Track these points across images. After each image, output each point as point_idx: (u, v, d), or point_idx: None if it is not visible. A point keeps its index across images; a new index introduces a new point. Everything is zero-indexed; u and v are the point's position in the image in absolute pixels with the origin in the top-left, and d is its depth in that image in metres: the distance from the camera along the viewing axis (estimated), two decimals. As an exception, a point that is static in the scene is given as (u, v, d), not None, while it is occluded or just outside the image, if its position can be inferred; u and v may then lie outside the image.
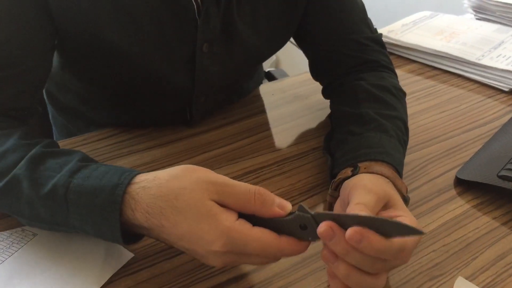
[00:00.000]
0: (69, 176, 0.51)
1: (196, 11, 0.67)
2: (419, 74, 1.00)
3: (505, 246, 0.60)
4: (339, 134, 0.69)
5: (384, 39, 0.84)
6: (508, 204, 0.66)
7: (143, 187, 0.49)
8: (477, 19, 1.22)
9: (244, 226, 0.47)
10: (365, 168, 0.59)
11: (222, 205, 0.48)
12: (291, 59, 1.83)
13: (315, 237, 0.47)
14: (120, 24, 0.65)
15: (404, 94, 0.76)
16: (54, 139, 0.93)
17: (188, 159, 0.73)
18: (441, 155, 0.76)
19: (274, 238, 0.47)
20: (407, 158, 0.69)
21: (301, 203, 0.47)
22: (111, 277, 0.54)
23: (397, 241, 0.46)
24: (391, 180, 0.57)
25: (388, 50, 0.98)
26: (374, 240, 0.44)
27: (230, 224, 0.46)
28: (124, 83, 0.73)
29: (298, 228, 0.47)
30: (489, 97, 0.92)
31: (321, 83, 0.85)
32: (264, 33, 0.76)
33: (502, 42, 1.07)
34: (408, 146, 0.70)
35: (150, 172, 0.51)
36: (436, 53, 1.03)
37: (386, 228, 0.44)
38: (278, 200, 0.48)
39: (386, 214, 0.52)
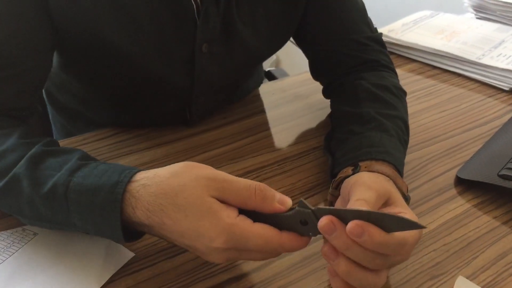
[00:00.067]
0: (69, 175, 0.51)
1: (195, 11, 0.67)
2: (419, 74, 1.00)
3: (506, 245, 0.60)
4: (340, 133, 0.69)
5: (384, 39, 0.83)
6: (508, 204, 0.66)
7: (143, 185, 0.49)
8: (477, 18, 1.22)
9: (245, 222, 0.47)
10: (365, 167, 0.59)
11: (222, 201, 0.48)
12: (291, 58, 1.83)
13: (316, 232, 0.47)
14: (120, 24, 0.65)
15: (405, 93, 0.76)
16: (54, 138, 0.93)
17: (188, 159, 0.73)
18: (442, 155, 0.75)
19: (275, 234, 0.47)
20: (408, 158, 0.69)
21: (302, 199, 0.47)
22: (111, 277, 0.54)
23: (398, 235, 0.46)
24: (391, 179, 0.57)
25: (389, 49, 0.98)
26: (375, 233, 0.44)
27: (231, 220, 0.46)
28: (124, 83, 0.73)
29: (299, 224, 0.47)
30: (490, 97, 0.92)
31: (321, 83, 0.85)
32: (264, 33, 0.75)
33: (503, 41, 1.07)
34: (408, 146, 0.70)
35: (150, 170, 0.51)
36: (437, 52, 1.02)
37: (387, 222, 0.44)
38: (279, 195, 0.48)
39: (386, 211, 0.52)
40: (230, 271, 0.56)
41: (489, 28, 1.13)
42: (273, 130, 0.81)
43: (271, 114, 0.86)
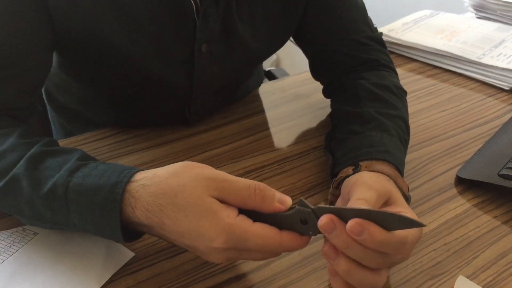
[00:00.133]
0: (68, 175, 0.51)
1: (195, 12, 0.67)
2: (419, 73, 1.00)
3: (506, 245, 0.60)
4: (340, 133, 0.69)
5: (384, 38, 0.83)
6: (509, 203, 0.66)
7: (143, 185, 0.49)
8: (477, 17, 1.22)
9: (245, 222, 0.47)
10: (366, 167, 0.59)
11: (222, 201, 0.48)
12: (291, 58, 1.83)
13: (316, 232, 0.47)
14: (120, 24, 0.65)
15: (405, 93, 0.76)
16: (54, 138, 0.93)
17: (188, 158, 0.73)
18: (442, 154, 0.75)
19: (275, 234, 0.47)
20: (408, 157, 0.69)
21: (301, 198, 0.46)
22: (111, 276, 0.54)
23: (398, 233, 0.46)
24: (392, 179, 0.57)
25: (389, 49, 0.98)
26: (375, 232, 0.44)
27: (231, 220, 0.46)
28: (123, 83, 0.73)
29: (299, 223, 0.47)
30: (490, 96, 0.92)
31: (321, 83, 0.85)
32: (264, 33, 0.75)
33: (503, 40, 1.07)
34: (409, 145, 0.70)
35: (149, 170, 0.51)
36: (437, 52, 1.02)
37: (387, 221, 0.44)
38: (279, 195, 0.48)
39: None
40: (230, 271, 0.56)
41: (489, 27, 1.13)
42: (273, 129, 0.81)
43: (271, 113, 0.86)
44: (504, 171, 0.68)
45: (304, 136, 0.79)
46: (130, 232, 0.51)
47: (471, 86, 0.95)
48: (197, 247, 0.48)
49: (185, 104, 0.78)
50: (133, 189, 0.49)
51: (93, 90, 0.79)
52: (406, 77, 0.98)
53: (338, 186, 0.60)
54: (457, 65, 1.00)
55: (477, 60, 0.98)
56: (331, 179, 0.64)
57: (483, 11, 1.21)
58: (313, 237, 0.48)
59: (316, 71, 0.84)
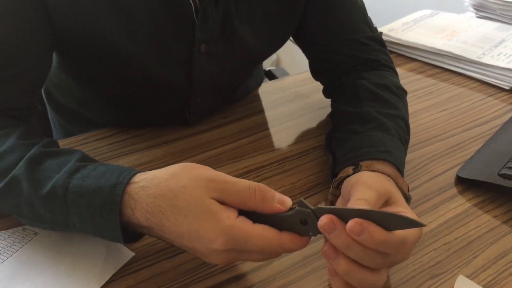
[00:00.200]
0: (67, 177, 0.51)
1: (194, 12, 0.67)
2: (420, 73, 1.00)
3: (506, 245, 0.60)
4: (340, 133, 0.69)
5: (384, 38, 0.83)
6: (509, 203, 0.66)
7: (142, 187, 0.49)
8: (477, 17, 1.22)
9: (244, 224, 0.47)
10: (366, 167, 0.59)
11: (222, 202, 0.47)
12: (291, 57, 1.83)
13: (316, 232, 0.47)
14: (119, 24, 0.65)
15: (405, 92, 0.76)
16: (54, 138, 0.93)
17: (188, 158, 0.73)
18: (442, 154, 0.75)
19: (275, 235, 0.47)
20: (408, 157, 0.69)
21: (301, 198, 0.46)
22: (112, 276, 0.54)
23: (398, 233, 0.46)
24: (392, 179, 0.57)
25: (389, 48, 0.98)
26: (375, 232, 0.44)
27: (230, 222, 0.46)
28: (123, 83, 0.73)
29: (299, 223, 0.47)
30: (490, 96, 0.92)
31: (321, 83, 0.85)
32: (263, 33, 0.75)
33: (503, 40, 1.07)
34: (409, 145, 0.70)
35: (149, 171, 0.51)
36: (437, 52, 1.02)
37: (387, 221, 0.44)
38: (278, 195, 0.48)
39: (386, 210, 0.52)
40: (230, 270, 0.56)
41: (489, 27, 1.13)
42: (273, 129, 0.81)
43: (271, 113, 0.85)
44: (504, 171, 0.68)
45: (304, 136, 0.79)
46: (130, 233, 0.51)
47: (471, 85, 0.95)
48: (197, 249, 0.48)
49: (184, 104, 0.77)
50: (133, 190, 0.49)
51: (92, 90, 0.79)
52: (406, 76, 0.98)
53: (339, 186, 0.60)
54: (457, 64, 1.00)
55: (477, 59, 0.98)
56: (331, 179, 0.64)
57: (483, 11, 1.21)
58: (313, 237, 0.48)
59: (316, 71, 0.84)
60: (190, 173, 0.48)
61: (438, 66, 1.02)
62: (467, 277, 0.55)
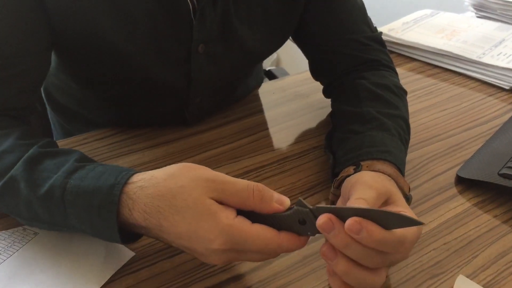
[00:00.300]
0: (65, 177, 0.51)
1: (192, 12, 0.67)
2: (420, 73, 1.00)
3: (506, 244, 0.60)
4: (341, 133, 0.69)
5: (384, 38, 0.83)
6: (509, 202, 0.66)
7: (140, 187, 0.49)
8: (478, 17, 1.22)
9: (243, 223, 0.47)
10: (367, 167, 0.59)
11: (220, 202, 0.47)
12: (291, 57, 1.83)
13: (314, 232, 0.47)
14: (117, 24, 0.65)
15: (405, 92, 0.76)
16: (54, 138, 0.93)
17: (188, 158, 0.73)
18: (442, 153, 0.75)
19: (273, 235, 0.47)
20: (408, 156, 0.69)
21: (300, 198, 0.46)
22: (111, 276, 0.54)
23: (397, 232, 0.45)
24: (393, 178, 0.57)
25: (389, 48, 0.98)
26: (374, 230, 0.44)
27: (229, 221, 0.46)
28: (121, 83, 0.73)
29: (297, 223, 0.47)
30: (490, 95, 0.92)
31: (321, 83, 0.85)
32: (262, 33, 0.75)
33: (503, 40, 1.07)
34: (409, 144, 0.70)
35: (147, 171, 0.51)
36: (437, 51, 1.02)
37: (386, 219, 0.44)
38: (277, 195, 0.48)
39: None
40: (229, 270, 0.56)
41: (489, 27, 1.13)
42: (273, 129, 0.81)
43: (271, 113, 0.85)
44: (504, 171, 0.68)
45: (304, 136, 0.79)
46: (128, 234, 0.51)
47: (471, 85, 0.95)
48: (196, 249, 0.48)
49: (184, 104, 0.77)
50: (131, 190, 0.49)
51: (92, 91, 0.79)
52: (406, 76, 0.98)
53: (339, 186, 0.60)
54: (457, 64, 1.00)
55: (477, 59, 0.98)
56: (331, 179, 0.64)
57: (483, 11, 1.21)
58: (312, 237, 0.48)
59: (316, 71, 0.84)
60: (188, 173, 0.48)
61: (438, 66, 1.02)
62: (467, 276, 0.55)
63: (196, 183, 0.47)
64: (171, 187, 0.48)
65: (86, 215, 0.50)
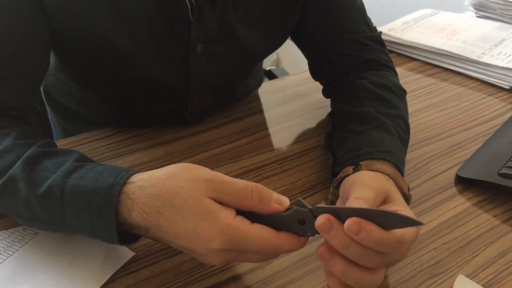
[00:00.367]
0: (64, 177, 0.51)
1: (190, 11, 0.67)
2: (419, 72, 1.00)
3: (506, 244, 0.60)
4: (341, 133, 0.69)
5: (384, 37, 0.83)
6: (509, 202, 0.66)
7: (139, 187, 0.49)
8: (477, 17, 1.22)
9: (242, 223, 0.47)
10: (366, 167, 0.59)
11: (219, 202, 0.47)
12: (291, 57, 1.83)
13: (314, 232, 0.46)
14: (117, 24, 0.65)
15: (405, 92, 0.76)
16: (54, 138, 0.93)
17: (188, 158, 0.73)
18: (442, 153, 0.75)
19: (272, 235, 0.47)
20: (408, 156, 0.69)
21: (299, 198, 0.46)
22: (112, 276, 0.54)
23: (396, 232, 0.45)
24: (392, 178, 0.57)
25: (389, 48, 0.98)
26: (373, 231, 0.44)
27: (228, 221, 0.46)
28: (121, 83, 0.73)
29: (296, 223, 0.47)
30: (490, 95, 0.92)
31: (321, 83, 0.85)
32: (262, 33, 0.75)
33: (503, 40, 1.07)
34: (409, 144, 0.70)
35: (146, 172, 0.51)
36: (437, 51, 1.02)
37: (385, 219, 0.44)
38: (276, 195, 0.48)
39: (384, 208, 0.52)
40: (229, 270, 0.56)
41: (489, 26, 1.13)
42: (273, 129, 0.81)
43: (271, 113, 0.86)
44: (504, 170, 0.68)
45: (304, 136, 0.79)
46: (126, 235, 0.51)
47: (471, 85, 0.95)
48: (195, 249, 0.48)
49: (183, 104, 0.77)
50: (130, 190, 0.49)
51: (91, 90, 0.79)
52: (406, 76, 0.98)
53: (339, 186, 0.60)
54: (457, 64, 1.00)
55: (477, 59, 0.98)
56: (331, 178, 0.65)
57: (483, 10, 1.21)
58: (311, 237, 0.48)
59: (316, 72, 0.84)
60: (187, 173, 0.48)
61: (438, 65, 1.02)
62: (467, 276, 0.55)
63: (195, 183, 0.47)
64: (170, 187, 0.48)
65: (85, 214, 0.50)
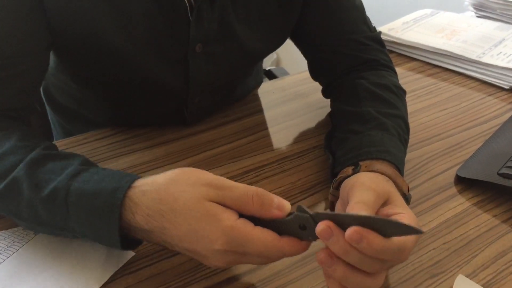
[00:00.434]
0: (69, 179, 0.52)
1: (189, 11, 0.67)
2: (419, 72, 1.00)
3: (506, 244, 0.60)
4: (340, 133, 0.69)
5: (384, 37, 0.83)
6: (508, 202, 0.66)
7: (143, 191, 0.49)
8: (477, 17, 1.22)
9: (245, 225, 0.47)
10: (366, 167, 0.59)
11: (221, 205, 0.48)
12: (291, 57, 1.82)
13: (315, 237, 0.47)
14: (117, 24, 0.65)
15: (405, 92, 0.76)
16: (54, 138, 0.93)
17: (188, 158, 0.73)
18: (442, 153, 0.75)
19: (275, 238, 0.47)
20: (408, 156, 0.69)
21: (300, 204, 0.46)
22: (112, 276, 0.54)
23: (397, 240, 0.46)
24: (391, 179, 0.57)
25: (389, 48, 0.98)
26: (374, 240, 0.44)
27: (231, 222, 0.46)
28: (121, 83, 0.73)
29: (298, 228, 0.47)
30: (490, 95, 0.92)
31: (320, 83, 0.85)
32: (261, 32, 0.75)
33: (503, 39, 1.07)
34: (408, 144, 0.70)
35: (148, 177, 0.51)
36: (437, 51, 1.02)
37: (385, 227, 0.44)
38: (277, 200, 0.48)
39: (385, 211, 0.52)
40: (229, 270, 0.56)
41: (489, 26, 1.13)
42: (273, 129, 0.81)
43: (271, 113, 0.86)
44: (504, 170, 0.68)
45: (304, 135, 0.79)
46: (127, 240, 0.51)
47: (471, 85, 0.95)
48: (198, 251, 0.48)
49: (183, 104, 0.77)
50: (133, 194, 0.49)
51: (91, 91, 0.79)
52: (406, 76, 0.98)
53: (338, 187, 0.60)
54: (457, 64, 1.00)
55: (477, 59, 0.98)
56: (331, 179, 0.65)
57: (483, 10, 1.21)
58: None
59: (316, 72, 0.84)
60: (188, 178, 0.49)
61: (438, 65, 1.02)
62: (467, 276, 0.55)
63: (196, 187, 0.48)
64: (172, 192, 0.48)
65: (87, 216, 0.50)
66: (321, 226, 0.45)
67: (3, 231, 0.59)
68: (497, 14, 1.18)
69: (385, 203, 0.53)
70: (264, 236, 0.47)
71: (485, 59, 0.98)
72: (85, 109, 0.83)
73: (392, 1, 2.07)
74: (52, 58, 0.70)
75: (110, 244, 0.52)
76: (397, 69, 0.82)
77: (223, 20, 0.70)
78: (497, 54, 1.00)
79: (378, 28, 0.83)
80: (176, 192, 0.48)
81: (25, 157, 0.55)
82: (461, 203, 0.66)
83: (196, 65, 0.72)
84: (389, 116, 0.68)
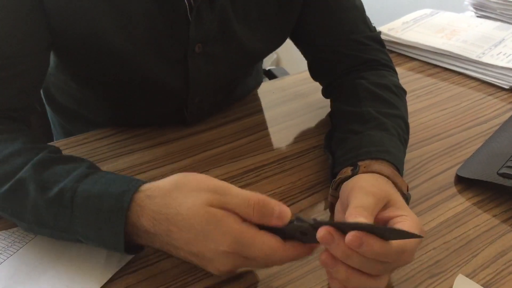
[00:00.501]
0: (76, 181, 0.52)
1: (189, 11, 0.67)
2: (419, 72, 1.00)
3: (506, 244, 0.60)
4: (340, 132, 0.69)
5: (384, 37, 0.83)
6: (508, 202, 0.66)
7: (148, 196, 0.50)
8: (477, 16, 1.22)
9: (250, 228, 0.47)
10: (364, 167, 0.58)
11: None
12: (291, 57, 1.82)
13: (316, 242, 0.47)
14: (116, 24, 0.65)
15: (405, 92, 0.76)
16: (54, 138, 0.93)
17: (188, 158, 0.73)
18: (442, 153, 0.76)
19: (279, 242, 0.47)
20: (408, 156, 0.69)
21: (298, 214, 0.47)
22: (112, 276, 0.54)
23: (397, 243, 0.46)
24: (391, 179, 0.57)
25: (389, 48, 0.98)
26: (374, 243, 0.44)
27: (236, 225, 0.47)
28: (121, 83, 0.73)
29: (299, 234, 0.47)
30: (490, 95, 0.92)
31: (320, 83, 0.85)
32: (261, 33, 0.75)
33: (503, 39, 1.07)
34: (408, 144, 0.70)
35: (153, 182, 0.52)
36: (437, 51, 1.02)
37: (386, 235, 0.45)
38: (278, 209, 0.48)
39: (386, 214, 0.52)
40: (230, 270, 0.56)
41: (489, 26, 1.13)
42: (273, 129, 0.81)
43: (271, 113, 0.86)
44: (504, 170, 0.68)
45: (304, 135, 0.79)
46: (129, 245, 0.52)
47: (471, 85, 0.95)
48: (203, 253, 0.48)
49: (183, 104, 0.77)
50: (139, 198, 0.50)
51: (91, 91, 0.79)
52: (406, 76, 0.98)
53: (337, 188, 0.60)
54: (457, 64, 1.00)
55: (476, 59, 0.98)
56: (331, 179, 0.65)
57: (483, 10, 1.21)
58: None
59: (316, 72, 0.84)
60: (191, 184, 0.49)
61: (437, 65, 1.02)
62: (467, 276, 0.55)
63: (199, 193, 0.48)
64: (176, 197, 0.49)
65: (93, 218, 0.50)
66: (321, 232, 0.45)
67: (3, 231, 0.59)
68: (497, 14, 1.18)
69: (386, 205, 0.53)
70: (269, 240, 0.47)
71: (485, 59, 0.98)
72: (85, 109, 0.83)
73: (392, 1, 2.07)
74: (52, 58, 0.70)
75: (112, 247, 0.52)
76: (397, 69, 0.82)
77: (222, 20, 0.70)
78: (497, 54, 1.00)
79: (378, 28, 0.83)
80: (180, 197, 0.49)
81: (32, 159, 0.55)
82: (461, 203, 0.66)
83: (195, 65, 0.72)
84: (389, 116, 0.68)
